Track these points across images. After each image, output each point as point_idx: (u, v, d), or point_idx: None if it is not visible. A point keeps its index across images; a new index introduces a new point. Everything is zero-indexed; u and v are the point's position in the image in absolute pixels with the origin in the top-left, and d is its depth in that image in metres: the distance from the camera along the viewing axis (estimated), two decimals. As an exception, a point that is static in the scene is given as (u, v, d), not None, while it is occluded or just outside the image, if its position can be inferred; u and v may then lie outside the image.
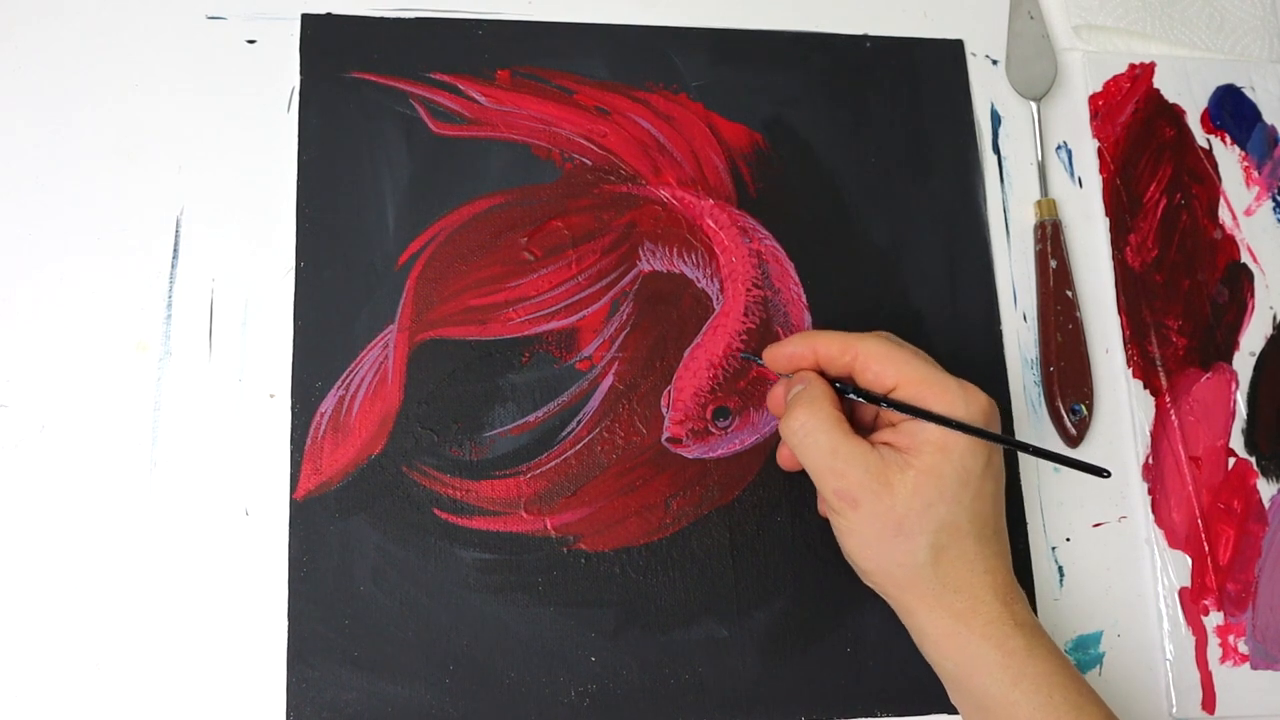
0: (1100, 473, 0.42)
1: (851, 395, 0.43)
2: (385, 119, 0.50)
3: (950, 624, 0.41)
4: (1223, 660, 0.48)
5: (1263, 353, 0.53)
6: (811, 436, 0.42)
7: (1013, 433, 0.50)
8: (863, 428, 0.44)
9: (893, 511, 0.40)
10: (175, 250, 0.47)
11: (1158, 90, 0.56)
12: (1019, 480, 0.49)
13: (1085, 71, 0.56)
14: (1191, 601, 0.49)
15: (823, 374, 0.44)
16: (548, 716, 0.44)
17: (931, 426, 0.41)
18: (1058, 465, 0.50)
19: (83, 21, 0.49)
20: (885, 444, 0.42)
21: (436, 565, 0.45)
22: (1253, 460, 0.51)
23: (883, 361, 0.42)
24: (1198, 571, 0.49)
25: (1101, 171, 0.54)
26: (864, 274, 0.51)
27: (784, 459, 0.47)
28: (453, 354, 0.47)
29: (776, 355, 0.45)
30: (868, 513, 0.41)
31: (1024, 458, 0.49)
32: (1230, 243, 0.54)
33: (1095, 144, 0.55)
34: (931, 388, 0.41)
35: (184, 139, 0.48)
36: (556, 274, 0.49)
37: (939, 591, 0.41)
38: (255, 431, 0.45)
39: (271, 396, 0.46)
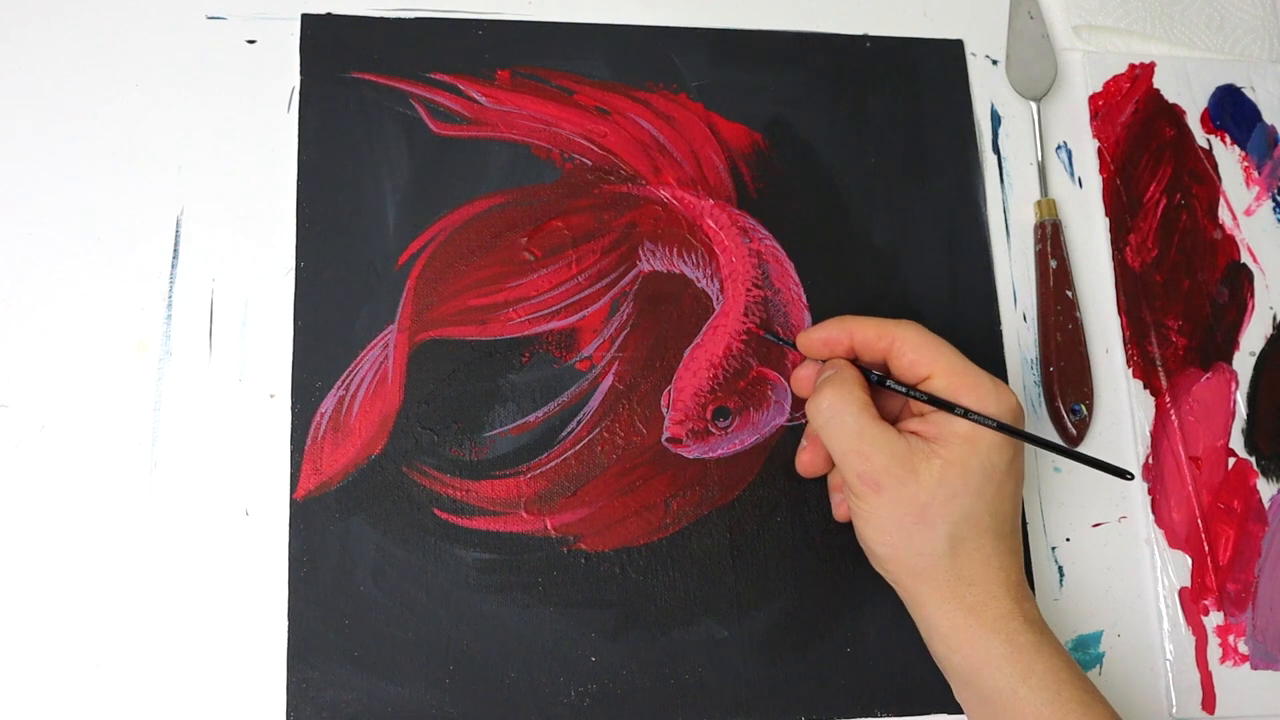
0: (1124, 475, 0.42)
1: (888, 384, 0.43)
2: (385, 119, 0.50)
3: (961, 617, 0.41)
4: (1223, 660, 0.48)
5: (1263, 353, 0.53)
6: (839, 417, 0.42)
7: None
8: (889, 418, 0.44)
9: (916, 499, 0.40)
10: (175, 250, 0.47)
11: (1158, 90, 0.56)
12: (1019, 480, 0.49)
13: (1085, 71, 0.56)
14: (1191, 601, 0.49)
15: (854, 362, 0.44)
16: (548, 716, 0.44)
17: (960, 419, 0.41)
18: (1059, 466, 0.50)
19: (83, 21, 0.49)
20: (912, 433, 0.42)
21: (436, 565, 0.45)
22: (1253, 460, 0.51)
23: (919, 350, 0.42)
24: (1198, 571, 0.49)
25: (1101, 171, 0.54)
26: (864, 274, 0.51)
27: (804, 464, 0.46)
28: (453, 354, 0.47)
29: (811, 339, 0.45)
30: (890, 498, 0.41)
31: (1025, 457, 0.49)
32: (1230, 243, 0.54)
33: (1095, 144, 0.55)
34: (965, 381, 0.42)
35: (184, 139, 0.48)
36: (556, 274, 0.49)
37: (953, 583, 0.41)
38: (255, 431, 0.45)
39: (271, 396, 0.46)
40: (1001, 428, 0.41)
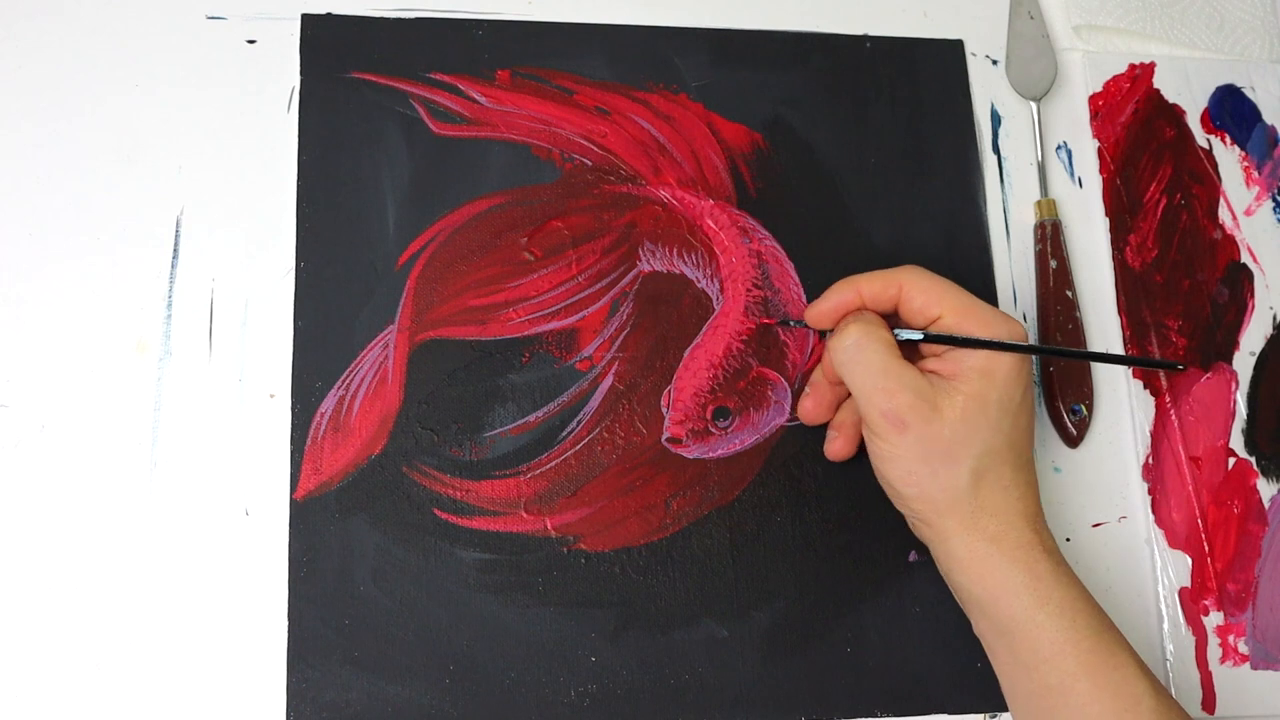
0: (1174, 367, 0.45)
1: (903, 337, 0.44)
2: (385, 119, 0.50)
3: (983, 547, 0.41)
4: (1223, 660, 0.48)
5: (1263, 353, 0.53)
6: (864, 354, 0.42)
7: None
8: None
9: (940, 437, 0.41)
10: (175, 250, 0.47)
11: (1158, 90, 0.56)
12: (1019, 480, 0.49)
13: (1085, 71, 0.56)
14: (1191, 601, 0.49)
15: None
16: (548, 716, 0.44)
17: (976, 354, 0.42)
18: (1059, 466, 0.50)
19: (83, 21, 0.49)
20: (931, 372, 0.43)
21: (436, 565, 0.45)
22: (1253, 460, 0.51)
23: (928, 293, 0.43)
24: (1198, 571, 0.49)
25: (1101, 171, 0.54)
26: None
27: (806, 410, 0.47)
28: (453, 354, 0.47)
29: (821, 311, 0.45)
30: (915, 437, 0.41)
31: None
32: (1230, 243, 0.54)
33: (1095, 144, 0.55)
34: (975, 316, 0.43)
35: (184, 139, 0.48)
36: (556, 274, 0.49)
37: (975, 515, 0.42)
38: (255, 431, 0.45)
39: (271, 396, 0.46)
40: (1029, 349, 0.42)
